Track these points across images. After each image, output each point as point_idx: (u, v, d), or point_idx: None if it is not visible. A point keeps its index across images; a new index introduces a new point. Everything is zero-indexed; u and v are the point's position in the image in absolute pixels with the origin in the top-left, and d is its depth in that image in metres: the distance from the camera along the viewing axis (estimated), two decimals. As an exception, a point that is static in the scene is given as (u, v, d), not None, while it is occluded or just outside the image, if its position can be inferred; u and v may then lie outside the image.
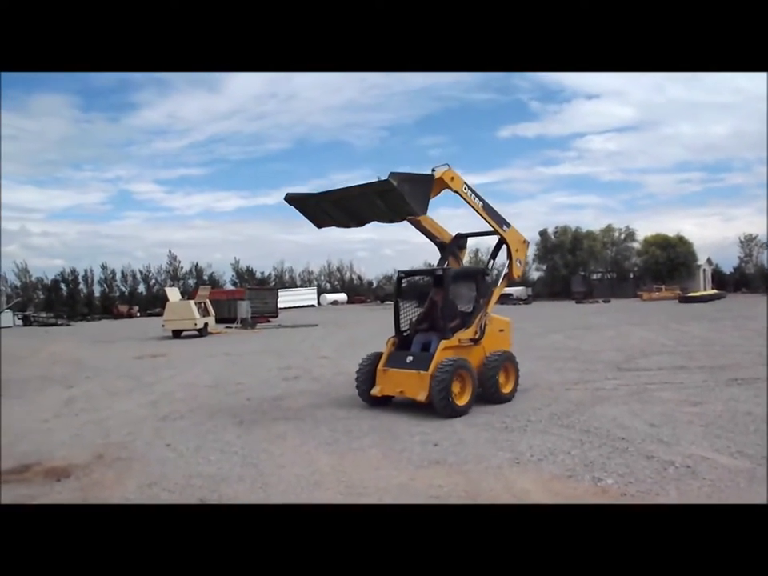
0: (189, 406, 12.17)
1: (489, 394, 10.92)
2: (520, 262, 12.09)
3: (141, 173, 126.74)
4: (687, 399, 10.76)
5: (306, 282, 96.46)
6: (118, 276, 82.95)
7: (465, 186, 10.77)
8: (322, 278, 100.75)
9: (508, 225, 11.66)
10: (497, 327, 11.82)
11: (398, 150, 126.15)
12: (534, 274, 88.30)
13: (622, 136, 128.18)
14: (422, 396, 10.12)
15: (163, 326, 33.09)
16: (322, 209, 10.39)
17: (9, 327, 49.89)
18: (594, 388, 12.28)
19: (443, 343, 10.53)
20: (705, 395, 11.04)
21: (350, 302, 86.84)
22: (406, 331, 11.63)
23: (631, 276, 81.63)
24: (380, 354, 11.33)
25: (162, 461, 8.21)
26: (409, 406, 10.68)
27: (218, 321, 36.77)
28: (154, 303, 73.45)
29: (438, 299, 11.25)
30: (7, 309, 48.45)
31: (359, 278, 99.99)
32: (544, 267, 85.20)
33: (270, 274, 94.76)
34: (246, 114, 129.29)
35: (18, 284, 76.37)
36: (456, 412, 10.01)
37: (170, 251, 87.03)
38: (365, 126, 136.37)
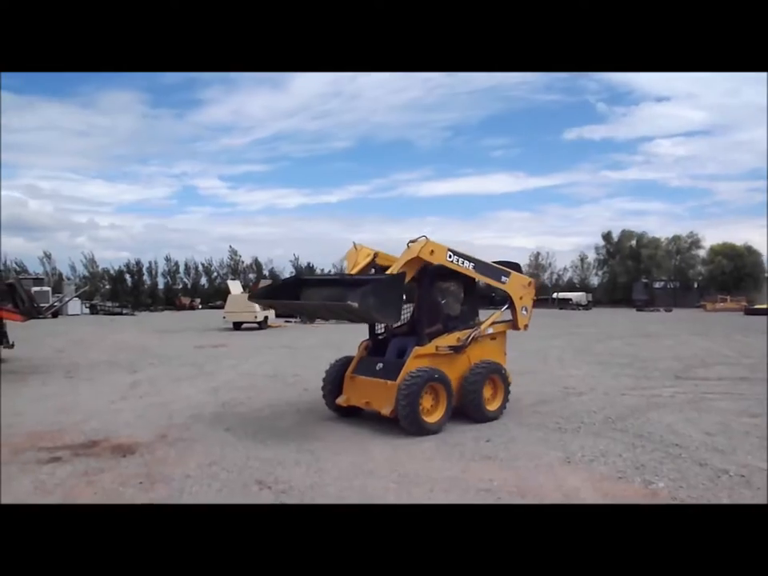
0: (248, 394, 12.53)
1: (470, 410, 9.65)
2: (526, 310, 10.71)
3: (206, 169, 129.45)
4: (746, 410, 10.58)
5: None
6: (182, 268, 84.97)
7: (449, 254, 9.45)
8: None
9: (507, 274, 10.34)
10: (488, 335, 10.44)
11: (460, 151, 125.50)
12: (594, 280, 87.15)
13: (692, 140, 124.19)
14: (386, 409, 9.02)
15: (224, 317, 33.82)
16: (292, 309, 9.83)
17: (76, 315, 51.69)
18: (650, 394, 12.17)
19: (417, 350, 9.31)
20: (765, 407, 10.83)
21: (408, 299, 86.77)
22: (382, 334, 10.54)
23: (695, 285, 79.77)
24: (351, 359, 10.28)
25: (221, 443, 8.53)
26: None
27: (278, 315, 37.34)
28: (215, 296, 74.95)
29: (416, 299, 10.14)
30: (76, 297, 50.00)
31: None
32: (604, 270, 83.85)
33: (330, 270, 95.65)
34: (309, 113, 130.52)
35: (87, 274, 78.86)
36: (424, 430, 8.84)
37: (230, 246, 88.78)
38: (428, 126, 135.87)
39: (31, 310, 17.31)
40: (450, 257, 9.44)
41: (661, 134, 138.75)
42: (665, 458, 7.70)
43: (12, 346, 17.18)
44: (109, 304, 64.76)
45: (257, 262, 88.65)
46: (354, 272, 9.88)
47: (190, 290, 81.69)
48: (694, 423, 9.56)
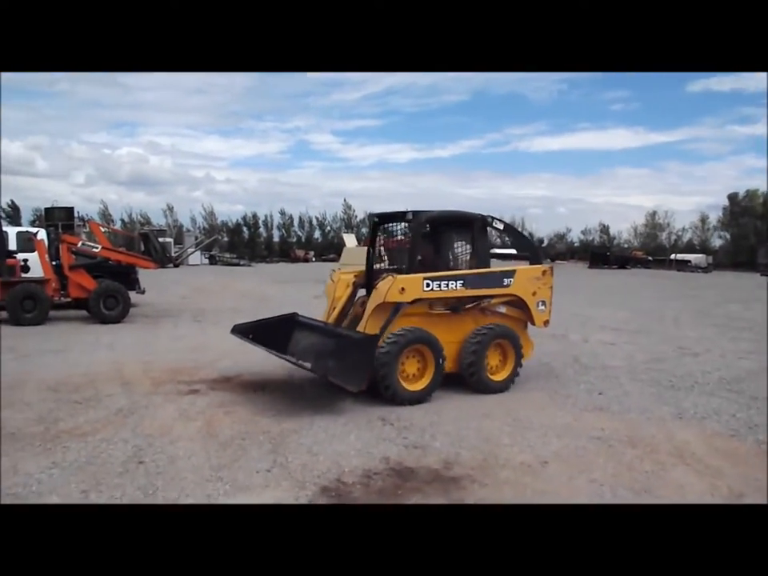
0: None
1: (469, 378, 8.61)
2: (544, 304, 9.23)
3: (318, 123, 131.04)
4: None
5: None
6: (296, 222, 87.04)
7: (426, 282, 8.22)
8: (494, 233, 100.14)
9: (510, 274, 8.93)
10: None
11: (576, 104, 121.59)
12: (716, 242, 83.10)
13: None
14: None
15: (339, 269, 34.70)
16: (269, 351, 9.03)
17: (196, 265, 54.21)
18: (770, 359, 11.89)
19: (405, 308, 8.18)
20: None
21: (518, 258, 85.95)
22: None
23: (832, 250, 74.69)
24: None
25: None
26: (572, 358, 10.90)
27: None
28: (328, 249, 76.67)
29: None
30: (205, 245, 51.88)
31: (530, 234, 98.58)
32: (729, 235, 79.77)
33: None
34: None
35: (206, 226, 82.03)
36: (404, 399, 7.92)
37: (344, 200, 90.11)
38: (543, 79, 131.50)
39: (164, 258, 18.66)
40: (428, 285, 8.23)
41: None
42: (780, 420, 7.66)
43: (143, 291, 18.53)
44: (227, 255, 67.28)
45: (369, 217, 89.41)
46: (336, 308, 9.35)
47: (304, 243, 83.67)
48: (815, 389, 9.37)
